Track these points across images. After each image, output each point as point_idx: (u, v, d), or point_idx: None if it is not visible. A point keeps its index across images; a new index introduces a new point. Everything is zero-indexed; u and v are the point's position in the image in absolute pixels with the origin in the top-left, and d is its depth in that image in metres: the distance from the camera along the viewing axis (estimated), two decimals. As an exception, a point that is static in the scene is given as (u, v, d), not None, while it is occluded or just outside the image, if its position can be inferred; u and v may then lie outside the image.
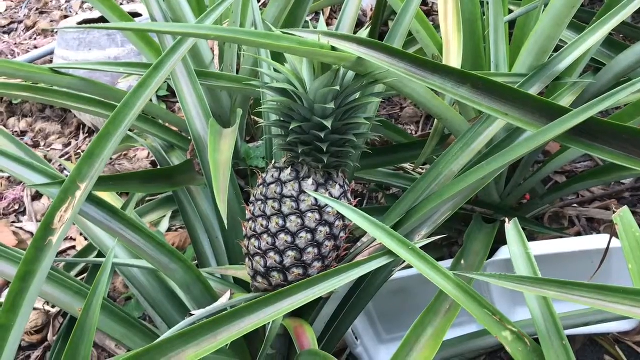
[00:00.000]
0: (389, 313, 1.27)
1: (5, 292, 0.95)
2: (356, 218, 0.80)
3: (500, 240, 1.19)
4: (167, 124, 1.51)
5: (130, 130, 1.45)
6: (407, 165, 1.46)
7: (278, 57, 1.27)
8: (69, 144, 2.11)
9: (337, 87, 0.82)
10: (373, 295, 1.02)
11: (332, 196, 0.91)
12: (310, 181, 0.91)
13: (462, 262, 1.00)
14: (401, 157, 1.33)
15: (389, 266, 1.01)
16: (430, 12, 2.20)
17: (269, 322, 0.91)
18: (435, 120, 1.17)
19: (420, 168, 1.47)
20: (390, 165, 1.37)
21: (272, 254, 0.92)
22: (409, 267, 0.91)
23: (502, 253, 1.15)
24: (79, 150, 2.06)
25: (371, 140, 1.44)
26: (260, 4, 2.52)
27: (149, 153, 2.00)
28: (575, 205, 1.56)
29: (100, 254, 1.27)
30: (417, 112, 1.93)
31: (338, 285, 0.76)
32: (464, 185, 0.83)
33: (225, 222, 0.84)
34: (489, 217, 1.33)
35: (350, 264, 0.79)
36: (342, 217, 0.93)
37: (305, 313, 1.00)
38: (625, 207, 0.78)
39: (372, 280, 1.03)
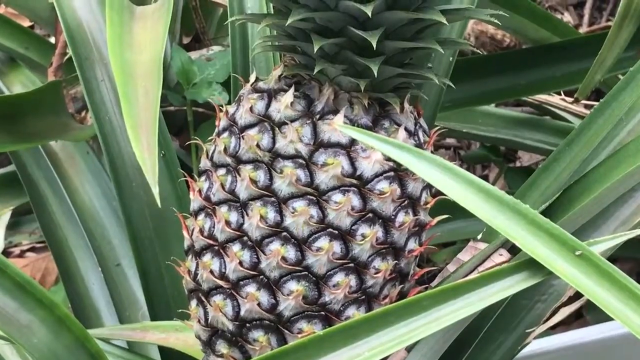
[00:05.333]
0: None
1: None
2: (455, 185, 0.75)
3: None
4: (1, 10, 1.53)
5: None
6: (557, 100, 1.41)
7: None
8: None
9: None
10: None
11: (386, 158, 0.90)
12: (338, 120, 0.88)
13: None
14: (545, 77, 1.29)
15: (517, 322, 0.98)
16: None
17: None
18: None
19: (586, 106, 1.42)
20: (518, 95, 1.35)
21: (252, 288, 0.90)
22: (564, 328, 0.82)
23: None
24: None
25: (476, 38, 1.38)
26: None
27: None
28: None
29: None
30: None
31: (410, 340, 0.73)
32: None
33: (156, 192, 0.80)
34: None
35: (438, 290, 0.76)
36: (411, 207, 0.91)
37: None
38: None
39: (478, 358, 1.01)
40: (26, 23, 1.67)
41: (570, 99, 1.42)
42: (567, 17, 1.85)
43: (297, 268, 0.88)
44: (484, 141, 1.60)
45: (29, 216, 1.60)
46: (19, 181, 1.30)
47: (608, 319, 1.04)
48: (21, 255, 1.64)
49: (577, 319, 1.41)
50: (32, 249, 1.64)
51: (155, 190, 0.85)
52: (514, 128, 1.39)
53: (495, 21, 0.92)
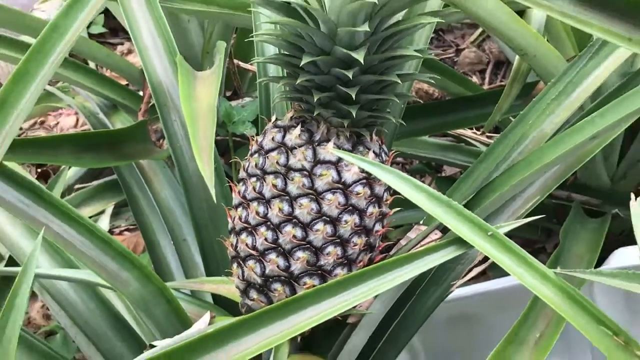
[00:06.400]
0: (444, 352, 1.28)
1: None
2: (407, 188, 0.81)
3: (610, 244, 1.20)
4: (107, 73, 1.52)
5: (50, 83, 1.47)
6: (469, 133, 1.48)
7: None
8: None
9: (374, 0, 0.82)
10: (421, 323, 1.03)
11: (361, 170, 0.92)
12: (329, 146, 0.91)
13: (558, 269, 0.99)
14: (462, 118, 1.35)
15: (445, 278, 1.03)
16: None
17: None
18: (516, 59, 1.18)
19: (488, 137, 1.47)
20: (444, 130, 1.39)
21: (273, 255, 0.93)
22: (475, 281, 0.93)
23: (617, 259, 1.15)
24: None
25: (416, 92, 1.47)
26: None
27: (77, 120, 2.02)
28: None
29: (11, 264, 1.29)
30: (482, 56, 1.94)
31: (381, 289, 0.77)
32: (569, 146, 0.84)
33: (213, 193, 0.84)
34: (594, 210, 1.33)
35: (399, 257, 0.80)
36: (377, 202, 0.94)
37: (322, 346, 1.00)
38: None
39: (419, 301, 1.04)
40: (123, 82, 1.72)
41: (479, 132, 1.49)
42: (475, 79, 1.91)
43: (303, 242, 0.91)
44: (422, 160, 1.64)
45: (125, 208, 1.63)
46: (119, 185, 1.33)
47: (505, 275, 1.04)
48: (120, 234, 1.70)
49: (483, 275, 1.44)
50: (127, 230, 1.70)
51: (213, 191, 0.87)
52: (441, 151, 1.43)
53: (431, 81, 1.01)
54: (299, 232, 0.91)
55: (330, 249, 0.92)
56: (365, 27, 0.83)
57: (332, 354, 1.01)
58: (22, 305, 0.78)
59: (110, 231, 1.68)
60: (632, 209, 0.83)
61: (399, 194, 0.86)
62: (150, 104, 1.43)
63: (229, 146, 1.48)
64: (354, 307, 0.83)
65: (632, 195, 0.85)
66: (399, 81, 0.89)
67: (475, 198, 0.94)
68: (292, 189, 0.91)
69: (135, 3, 1.15)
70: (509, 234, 0.83)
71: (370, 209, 0.93)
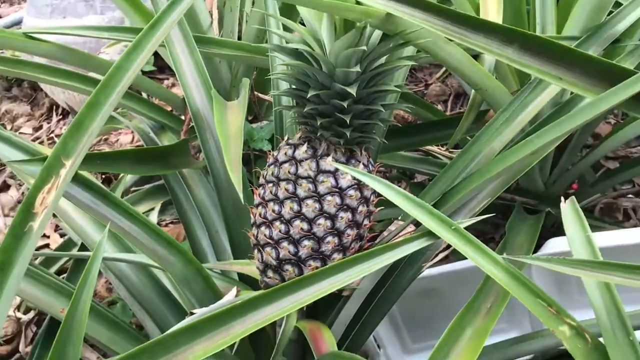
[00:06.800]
0: (416, 318, 1.27)
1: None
2: (389, 193, 0.81)
3: (544, 235, 1.20)
4: (156, 102, 1.52)
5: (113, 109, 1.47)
6: (436, 149, 1.46)
7: (288, 14, 1.27)
8: (40, 127, 2.12)
9: (364, 48, 0.82)
10: (399, 296, 1.02)
11: (353, 178, 0.92)
12: (329, 159, 0.91)
13: (505, 254, 0.98)
14: (430, 137, 1.35)
15: (417, 261, 1.02)
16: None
17: (281, 326, 0.92)
18: (472, 92, 1.17)
19: (450, 152, 1.46)
20: (416, 146, 1.39)
21: (285, 243, 0.92)
22: (440, 264, 0.93)
23: (550, 247, 1.15)
24: (52, 135, 2.07)
25: (394, 117, 1.45)
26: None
27: (133, 138, 2.01)
28: (630, 195, 1.56)
29: (83, 250, 1.29)
30: (445, 89, 1.94)
31: (369, 271, 0.77)
32: (514, 160, 0.84)
33: (241, 195, 0.84)
34: (532, 208, 1.33)
35: (383, 246, 0.80)
36: (365, 202, 0.94)
37: (322, 313, 1.00)
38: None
39: (397, 279, 1.04)
40: (169, 108, 1.71)
41: (443, 148, 1.49)
42: (440, 107, 1.90)
43: (308, 234, 0.90)
44: (398, 169, 1.63)
45: (170, 206, 1.63)
46: (165, 188, 1.32)
47: (463, 259, 1.02)
48: (166, 226, 1.69)
49: (446, 259, 1.38)
50: (171, 223, 1.69)
51: (241, 194, 0.88)
52: (413, 162, 1.43)
53: (407, 109, 0.95)
54: (305, 226, 0.91)
55: (329, 238, 0.92)
56: (357, 68, 0.84)
57: (330, 320, 1.00)
58: (92, 282, 0.77)
59: (158, 224, 1.66)
60: (562, 209, 0.83)
61: (382, 196, 0.86)
62: (190, 126, 1.43)
63: (251, 158, 1.47)
64: (348, 284, 0.82)
65: (562, 198, 0.85)
66: (383, 110, 0.89)
67: (441, 200, 0.94)
68: (300, 192, 0.91)
69: (179, 49, 1.15)
70: (467, 228, 0.83)
71: (360, 208, 0.93)
